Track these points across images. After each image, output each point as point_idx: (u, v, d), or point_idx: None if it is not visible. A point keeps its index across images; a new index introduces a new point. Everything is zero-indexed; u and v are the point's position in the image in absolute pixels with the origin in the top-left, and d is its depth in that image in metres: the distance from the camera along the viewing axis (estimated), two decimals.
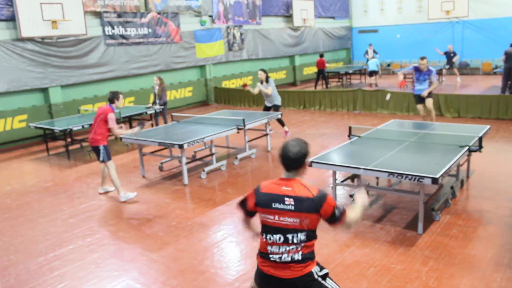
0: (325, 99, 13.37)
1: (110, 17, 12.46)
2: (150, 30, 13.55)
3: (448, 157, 5.12)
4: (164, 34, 14.02)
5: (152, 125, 10.82)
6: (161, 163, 8.10)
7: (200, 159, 8.05)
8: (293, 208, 2.59)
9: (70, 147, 9.71)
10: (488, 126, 6.69)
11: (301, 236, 2.63)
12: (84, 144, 10.43)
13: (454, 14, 20.00)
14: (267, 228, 2.69)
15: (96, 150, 6.57)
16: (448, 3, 19.90)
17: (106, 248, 5.03)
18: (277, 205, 2.62)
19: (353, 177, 5.99)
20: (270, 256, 2.68)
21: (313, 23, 20.63)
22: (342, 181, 5.89)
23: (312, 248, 2.71)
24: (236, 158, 8.19)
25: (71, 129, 8.94)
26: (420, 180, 4.55)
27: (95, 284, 4.29)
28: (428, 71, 8.84)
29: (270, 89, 9.63)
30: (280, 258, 2.64)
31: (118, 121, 6.43)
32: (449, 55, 17.54)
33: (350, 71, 19.12)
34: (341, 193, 6.33)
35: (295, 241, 2.62)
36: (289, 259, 2.63)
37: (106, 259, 4.77)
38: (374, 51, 19.31)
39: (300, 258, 2.63)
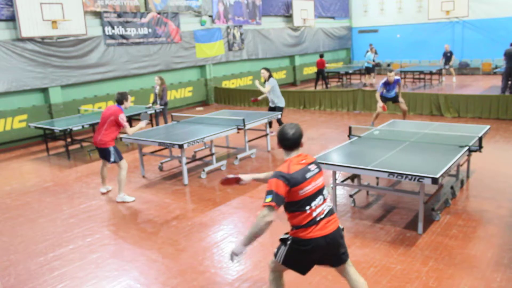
0: (325, 99, 13.37)
1: (110, 17, 12.46)
2: (150, 30, 13.55)
3: (448, 157, 5.12)
4: (164, 34, 14.02)
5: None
6: (161, 163, 8.10)
7: (200, 159, 8.05)
8: (318, 170, 3.19)
9: (70, 147, 9.71)
10: (488, 126, 6.69)
11: (328, 189, 3.40)
12: (84, 144, 10.43)
13: (454, 14, 20.01)
14: (308, 199, 3.07)
15: (105, 152, 6.45)
16: (448, 3, 19.90)
17: (106, 248, 5.03)
18: (309, 174, 3.10)
19: (353, 177, 5.99)
20: (318, 219, 3.08)
21: (313, 23, 20.63)
22: (342, 181, 5.89)
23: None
24: (236, 158, 8.19)
25: (71, 129, 8.94)
26: (420, 180, 4.55)
27: (95, 284, 4.29)
28: (395, 81, 9.83)
29: (267, 88, 9.44)
30: (325, 214, 3.12)
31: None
32: (446, 55, 17.57)
33: (350, 71, 19.12)
34: (341, 193, 6.33)
35: (326, 195, 3.21)
36: (330, 212, 3.16)
37: (106, 259, 4.77)
38: (375, 53, 19.08)
39: (332, 208, 3.25)
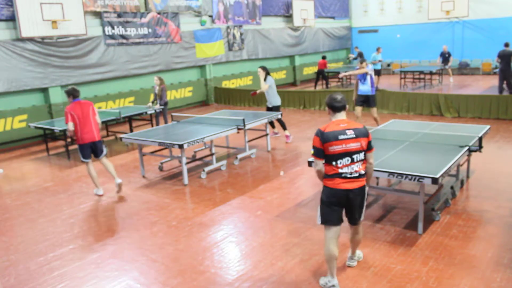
0: (325, 99, 13.32)
1: (110, 17, 12.46)
2: (150, 30, 13.55)
3: (448, 157, 5.12)
4: (164, 34, 14.02)
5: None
6: (161, 163, 8.10)
7: (200, 159, 8.05)
8: (354, 135, 3.67)
9: (70, 147, 9.70)
10: (488, 126, 6.68)
11: (361, 155, 3.74)
12: None
13: (454, 14, 20.01)
14: (336, 156, 3.69)
15: (100, 145, 6.66)
16: (448, 3, 19.90)
17: (106, 248, 5.03)
18: (342, 137, 3.66)
19: None
20: (343, 175, 3.70)
21: (313, 23, 20.64)
22: None
23: (365, 167, 3.82)
24: (236, 158, 8.19)
25: None
26: (420, 180, 4.55)
27: (95, 284, 4.29)
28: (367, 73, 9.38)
29: (266, 86, 9.32)
30: (350, 174, 3.71)
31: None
32: (444, 56, 17.57)
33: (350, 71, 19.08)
34: None
35: (357, 159, 3.71)
36: (357, 174, 3.73)
37: (106, 259, 4.77)
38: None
39: (362, 173, 3.77)
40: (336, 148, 3.66)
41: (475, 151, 5.64)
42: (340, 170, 3.70)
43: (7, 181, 8.02)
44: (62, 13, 11.06)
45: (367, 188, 3.89)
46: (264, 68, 9.45)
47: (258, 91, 10.00)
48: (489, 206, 5.55)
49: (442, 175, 4.57)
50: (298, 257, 4.54)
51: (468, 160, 6.55)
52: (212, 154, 7.73)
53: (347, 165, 3.69)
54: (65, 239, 5.34)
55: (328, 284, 3.92)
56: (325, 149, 3.70)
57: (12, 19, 10.45)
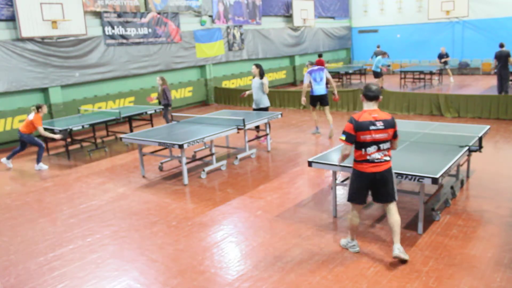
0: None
1: (110, 17, 12.46)
2: (150, 30, 13.55)
3: (448, 157, 5.12)
4: (164, 34, 14.02)
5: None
6: (161, 163, 8.10)
7: (200, 159, 8.05)
8: (383, 127, 4.09)
9: (70, 147, 9.72)
10: (488, 126, 6.68)
11: (387, 144, 4.19)
12: (84, 144, 10.43)
13: (454, 14, 20.01)
14: (366, 144, 4.13)
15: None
16: (448, 3, 19.90)
17: (106, 248, 5.03)
18: (372, 127, 4.08)
19: None
20: (370, 160, 4.16)
21: (313, 23, 20.63)
22: (342, 181, 5.89)
23: (390, 153, 4.28)
24: (236, 158, 8.19)
25: (71, 129, 8.94)
26: (420, 180, 4.55)
27: (95, 284, 4.29)
28: (320, 69, 9.57)
29: (265, 87, 9.08)
30: (377, 159, 4.17)
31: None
32: (442, 57, 17.56)
33: (350, 71, 19.12)
34: (341, 193, 6.33)
35: (383, 148, 4.16)
36: (383, 160, 4.18)
37: (106, 259, 4.77)
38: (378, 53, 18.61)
39: (388, 159, 4.22)
40: (366, 137, 4.09)
41: (475, 151, 5.64)
42: (368, 157, 4.16)
43: (7, 181, 8.02)
44: (62, 13, 11.06)
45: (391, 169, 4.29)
46: (258, 66, 9.20)
47: (247, 93, 9.85)
48: (489, 206, 5.54)
49: (442, 175, 4.56)
50: (298, 257, 4.54)
51: (468, 160, 6.55)
52: (212, 154, 7.73)
53: (374, 152, 4.14)
54: (65, 239, 5.34)
55: (349, 244, 4.58)
56: (357, 136, 4.11)
57: (12, 19, 10.45)
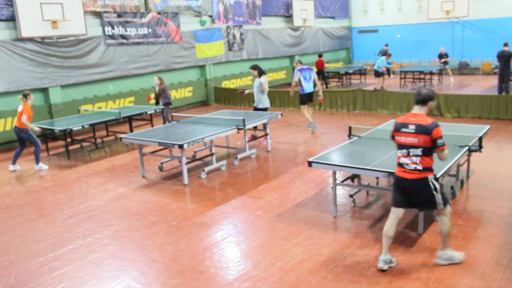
0: (325, 99, 13.35)
1: (110, 17, 12.46)
2: (150, 30, 13.55)
3: (448, 157, 5.11)
4: (164, 34, 14.02)
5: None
6: (161, 163, 8.10)
7: (200, 159, 8.05)
8: (413, 131, 3.96)
9: (70, 147, 9.71)
10: (488, 126, 6.68)
11: (418, 151, 3.96)
12: (84, 144, 10.43)
13: (454, 14, 20.01)
14: (399, 146, 4.12)
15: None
16: (448, 3, 19.90)
17: (106, 248, 5.03)
18: (404, 129, 4.03)
19: (353, 177, 5.99)
20: (401, 164, 4.10)
21: (313, 23, 20.63)
22: (342, 181, 5.89)
23: (429, 163, 4.02)
24: (236, 158, 8.19)
25: (71, 129, 8.93)
26: None
27: (95, 284, 4.29)
28: (309, 68, 9.99)
29: (265, 86, 9.17)
30: (407, 165, 4.04)
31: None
32: (441, 57, 17.57)
33: (350, 71, 19.11)
34: (341, 193, 6.33)
35: (413, 154, 3.99)
36: (413, 167, 4.00)
37: (106, 259, 4.77)
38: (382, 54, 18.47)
39: (419, 168, 3.99)
40: (398, 139, 4.10)
41: (475, 151, 5.65)
42: (400, 160, 4.11)
43: (7, 181, 8.02)
44: (62, 13, 11.06)
45: (430, 182, 4.01)
46: (255, 68, 9.29)
47: (246, 91, 10.01)
48: (489, 206, 5.54)
49: (442, 175, 4.57)
50: (298, 257, 4.54)
51: (468, 160, 6.55)
52: (212, 154, 7.73)
53: (404, 156, 4.06)
54: (65, 239, 5.34)
55: (382, 258, 4.21)
56: (394, 136, 4.17)
57: (12, 19, 10.45)
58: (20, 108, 8.32)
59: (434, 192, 4.02)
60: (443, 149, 3.95)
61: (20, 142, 8.65)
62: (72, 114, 11.35)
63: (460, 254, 4.25)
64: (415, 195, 4.08)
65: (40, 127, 8.98)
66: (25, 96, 8.42)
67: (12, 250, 5.13)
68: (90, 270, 4.56)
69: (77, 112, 11.27)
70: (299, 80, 9.91)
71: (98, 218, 5.94)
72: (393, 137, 4.19)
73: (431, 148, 3.94)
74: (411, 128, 3.96)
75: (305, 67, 10.02)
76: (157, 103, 10.80)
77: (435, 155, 4.04)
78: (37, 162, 8.59)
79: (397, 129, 4.07)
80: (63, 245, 5.17)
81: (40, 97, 11.37)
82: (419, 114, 4.01)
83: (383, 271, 4.16)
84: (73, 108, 11.57)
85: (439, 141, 3.90)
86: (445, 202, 4.08)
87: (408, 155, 4.00)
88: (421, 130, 3.91)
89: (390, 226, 4.19)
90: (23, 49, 10.71)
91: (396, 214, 4.21)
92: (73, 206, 6.46)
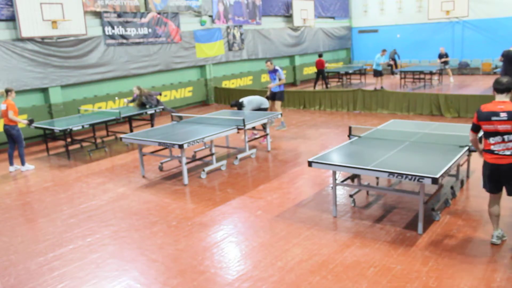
0: (325, 99, 13.37)
1: (110, 17, 12.46)
2: (150, 30, 13.55)
3: (448, 157, 5.12)
4: (164, 34, 14.02)
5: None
6: (161, 163, 8.10)
7: (200, 159, 8.05)
8: (506, 118, 4.12)
9: (70, 147, 9.71)
10: None
11: (511, 136, 4.17)
12: (84, 144, 10.44)
13: (454, 14, 20.01)
14: (489, 134, 4.24)
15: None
16: (448, 3, 19.91)
17: (106, 248, 5.03)
18: (495, 118, 4.17)
19: (353, 177, 5.99)
20: (494, 152, 4.25)
21: (313, 23, 20.64)
22: (342, 181, 5.89)
23: None
24: (236, 158, 8.19)
25: (71, 129, 8.94)
26: (420, 180, 4.54)
27: (95, 284, 4.29)
28: (274, 70, 10.28)
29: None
30: (502, 151, 4.21)
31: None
32: (441, 57, 17.57)
33: (350, 71, 19.12)
34: (341, 193, 6.33)
35: (508, 139, 4.18)
36: (508, 152, 4.19)
37: (106, 259, 4.77)
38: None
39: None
40: (488, 127, 4.22)
41: (475, 151, 5.64)
42: (492, 147, 4.25)
43: (7, 181, 8.02)
44: (62, 13, 11.06)
45: None
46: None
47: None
48: None
49: (442, 175, 4.56)
50: (298, 257, 4.54)
51: (468, 160, 6.55)
52: (212, 154, 7.73)
53: (498, 143, 4.21)
54: (65, 239, 5.34)
55: (494, 234, 4.54)
56: (481, 126, 4.30)
57: (12, 19, 10.44)
58: (4, 107, 8.13)
59: None
60: None
61: (10, 141, 8.49)
62: (72, 114, 11.35)
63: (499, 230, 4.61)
64: (508, 180, 4.27)
65: (28, 120, 8.76)
66: (7, 92, 8.16)
67: (12, 250, 5.13)
68: (90, 270, 4.56)
69: (77, 112, 11.27)
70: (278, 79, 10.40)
71: (98, 218, 5.94)
72: (476, 126, 4.36)
73: None
74: (503, 116, 4.12)
75: (277, 67, 10.57)
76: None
77: None
78: (23, 163, 8.54)
79: (485, 118, 4.20)
80: (63, 245, 5.17)
81: (40, 97, 11.37)
82: (506, 101, 4.21)
83: (495, 245, 4.51)
84: (73, 108, 11.57)
85: None
86: None
87: (503, 141, 4.18)
88: None
89: (495, 208, 4.48)
90: (23, 49, 10.71)
91: (494, 197, 4.48)
92: (73, 206, 6.46)
